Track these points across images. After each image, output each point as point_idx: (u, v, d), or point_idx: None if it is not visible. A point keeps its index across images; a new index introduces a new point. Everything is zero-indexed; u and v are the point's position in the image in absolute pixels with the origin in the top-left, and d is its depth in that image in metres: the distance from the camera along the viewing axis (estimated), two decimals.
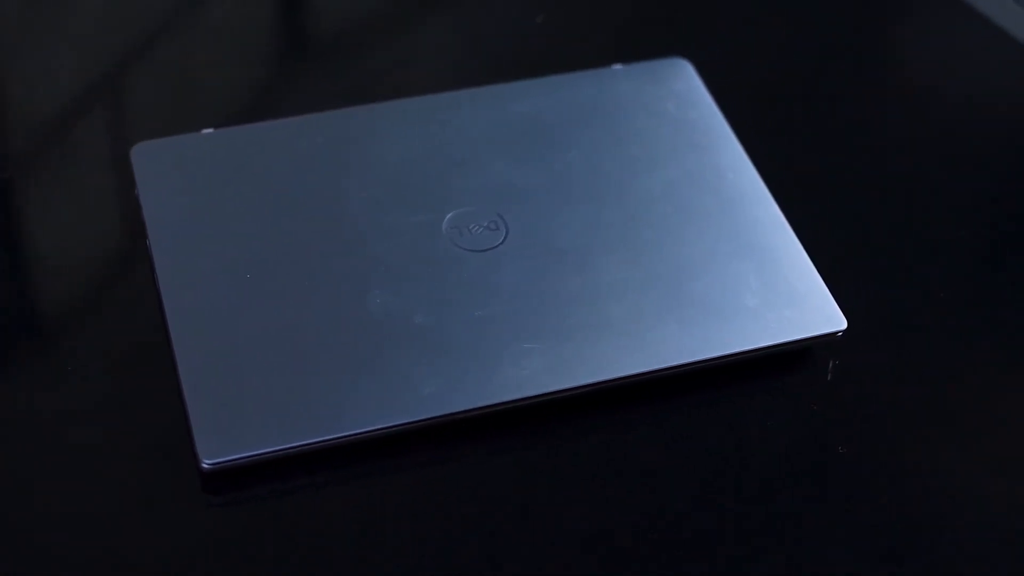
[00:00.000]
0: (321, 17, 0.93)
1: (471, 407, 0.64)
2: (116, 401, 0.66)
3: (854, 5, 0.93)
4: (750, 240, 0.71)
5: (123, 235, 0.74)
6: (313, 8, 0.94)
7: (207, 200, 0.70)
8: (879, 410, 0.68)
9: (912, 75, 0.90)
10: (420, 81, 0.85)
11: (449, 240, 0.69)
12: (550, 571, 0.61)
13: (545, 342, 0.65)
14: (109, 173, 0.77)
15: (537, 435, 0.65)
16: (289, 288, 0.66)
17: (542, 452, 0.66)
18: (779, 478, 0.65)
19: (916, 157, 0.82)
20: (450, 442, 0.64)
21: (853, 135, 0.84)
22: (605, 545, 0.62)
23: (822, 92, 0.86)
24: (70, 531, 0.61)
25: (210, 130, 0.73)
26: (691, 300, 0.68)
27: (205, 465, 0.61)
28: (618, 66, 0.79)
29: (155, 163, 0.71)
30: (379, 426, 0.63)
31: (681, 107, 0.77)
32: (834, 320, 0.68)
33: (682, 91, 0.78)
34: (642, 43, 0.87)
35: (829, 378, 0.69)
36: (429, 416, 0.63)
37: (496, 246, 0.69)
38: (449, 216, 0.70)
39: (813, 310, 0.68)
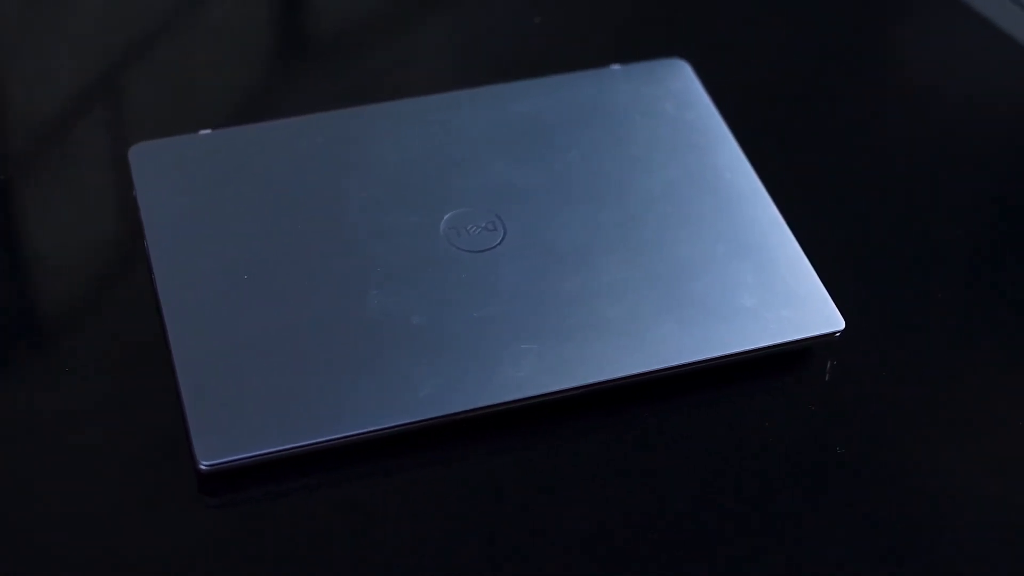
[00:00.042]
0: (321, 17, 0.93)
1: (470, 407, 0.64)
2: (115, 401, 0.66)
3: (854, 5, 0.93)
4: (748, 240, 0.71)
5: (121, 236, 0.74)
6: (313, 8, 0.94)
7: (205, 201, 0.70)
8: (878, 410, 0.68)
9: (912, 75, 0.90)
10: (420, 81, 0.85)
11: (447, 241, 0.69)
12: (550, 571, 0.61)
13: (544, 342, 0.65)
14: (107, 173, 0.77)
15: (537, 435, 0.65)
16: (287, 289, 0.66)
17: (542, 452, 0.66)
18: (779, 478, 0.65)
19: (916, 157, 0.82)
20: (449, 442, 0.64)
21: (852, 135, 0.84)
22: (605, 545, 0.62)
23: (821, 92, 0.86)
24: (69, 531, 0.61)
25: (208, 131, 0.73)
26: (689, 300, 0.68)
27: (203, 466, 0.61)
28: (616, 66, 0.79)
29: (153, 164, 0.71)
30: (378, 427, 0.63)
31: (679, 107, 0.77)
32: (832, 320, 0.68)
33: (680, 91, 0.78)
34: (641, 43, 0.87)
35: (827, 378, 0.69)
36: (428, 417, 0.63)
37: (494, 247, 0.69)
38: (447, 217, 0.70)
39: (811, 310, 0.68)
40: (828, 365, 0.69)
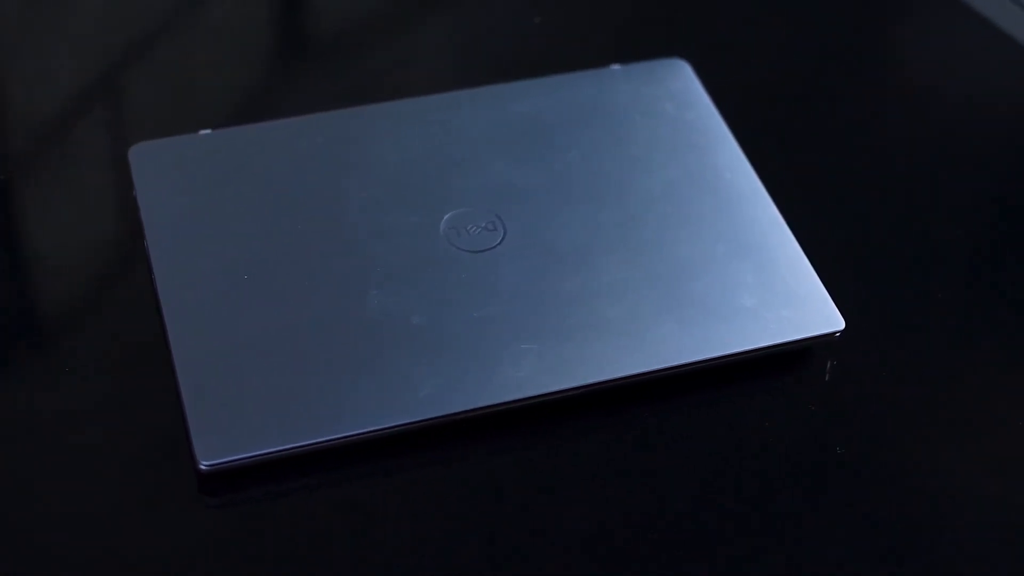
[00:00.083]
0: (321, 17, 0.93)
1: (470, 407, 0.64)
2: (115, 401, 0.66)
3: (854, 5, 0.93)
4: (748, 240, 0.71)
5: (121, 236, 0.74)
6: (313, 8, 0.94)
7: (205, 201, 0.70)
8: (878, 410, 0.68)
9: (912, 75, 0.90)
10: (420, 81, 0.85)
11: (447, 241, 0.69)
12: (550, 571, 0.61)
13: (544, 342, 0.65)
14: (107, 173, 0.77)
15: (537, 435, 0.65)
16: (287, 289, 0.66)
17: (542, 452, 0.66)
18: (779, 478, 0.65)
19: (916, 157, 0.82)
20: (449, 442, 0.64)
21: (852, 135, 0.84)
22: (605, 545, 0.62)
23: (821, 92, 0.86)
24: (69, 531, 0.61)
25: (208, 131, 0.73)
26: (689, 300, 0.68)
27: (203, 466, 0.61)
28: (616, 66, 0.79)
29: (153, 164, 0.71)
30: (377, 427, 0.63)
31: (679, 107, 0.77)
32: (832, 320, 0.68)
33: (680, 91, 0.78)
34: (641, 43, 0.87)
35: (827, 378, 0.69)
36: (428, 417, 0.63)
37: (494, 247, 0.69)
38: (447, 217, 0.70)
39: (811, 310, 0.68)
40: (828, 365, 0.69)
